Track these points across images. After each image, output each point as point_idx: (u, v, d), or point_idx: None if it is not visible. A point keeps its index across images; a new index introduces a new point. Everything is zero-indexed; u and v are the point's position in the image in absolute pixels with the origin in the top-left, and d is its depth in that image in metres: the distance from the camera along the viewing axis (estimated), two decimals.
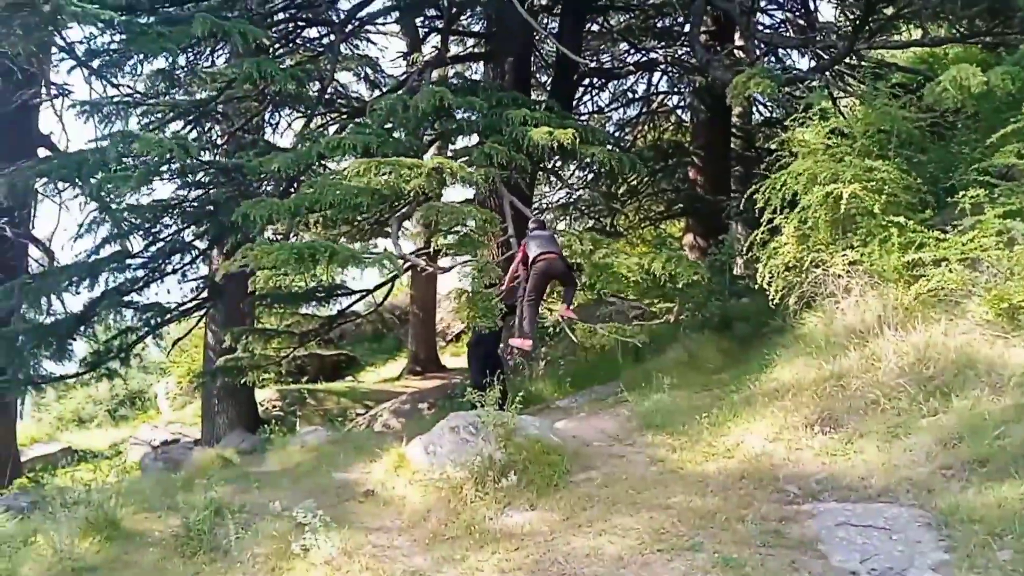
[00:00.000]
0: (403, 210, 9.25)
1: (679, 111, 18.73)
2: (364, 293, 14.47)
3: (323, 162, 10.26)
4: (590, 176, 17.11)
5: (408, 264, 9.07)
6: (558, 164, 14.08)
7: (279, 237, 11.87)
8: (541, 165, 11.03)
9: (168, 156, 9.20)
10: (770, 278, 7.77)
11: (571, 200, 18.45)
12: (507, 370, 10.84)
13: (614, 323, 8.70)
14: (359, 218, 13.90)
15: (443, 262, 10.55)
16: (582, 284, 8.67)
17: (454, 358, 21.85)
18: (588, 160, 9.73)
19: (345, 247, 8.31)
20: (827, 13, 22.78)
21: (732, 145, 16.72)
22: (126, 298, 12.33)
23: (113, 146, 9.39)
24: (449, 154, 9.92)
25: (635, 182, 16.76)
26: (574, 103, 15.45)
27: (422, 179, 8.28)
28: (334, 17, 13.11)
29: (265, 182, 11.27)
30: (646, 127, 18.80)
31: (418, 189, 8.35)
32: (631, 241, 17.90)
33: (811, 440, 6.23)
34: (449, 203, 8.86)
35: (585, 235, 8.92)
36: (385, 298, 15.32)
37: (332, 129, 13.51)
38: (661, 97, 18.43)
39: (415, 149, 9.33)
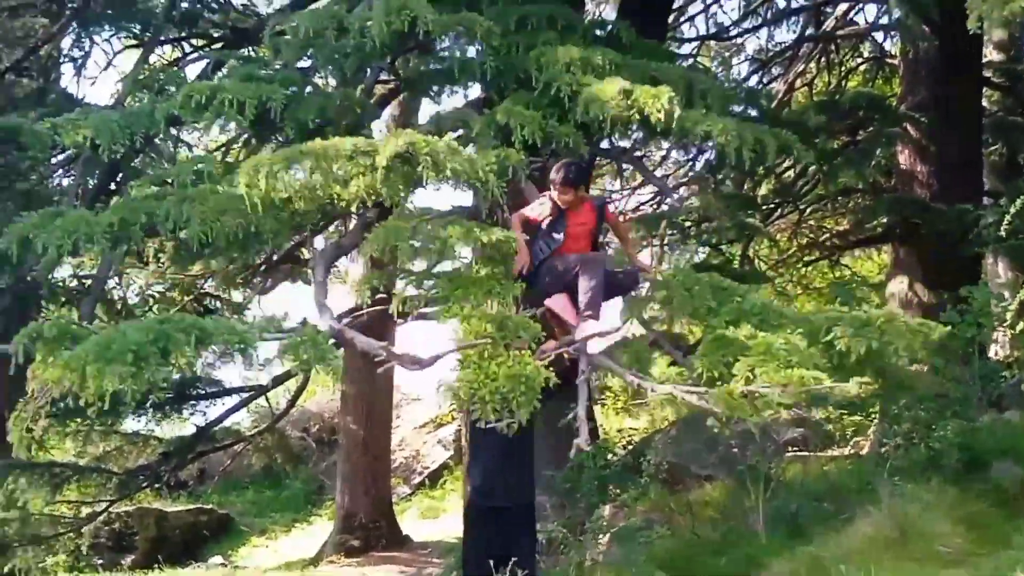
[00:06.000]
0: (337, 239, 5.97)
1: (878, 36, 11.51)
2: (251, 393, 8.66)
3: (175, 130, 6.42)
4: (699, 164, 9.96)
5: (348, 346, 4.94)
6: (639, 146, 8.20)
7: (84, 281, 7.37)
8: (606, 148, 6.46)
9: None
10: None
11: (664, 209, 10.93)
12: (538, 547, 6.08)
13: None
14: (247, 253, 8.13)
15: (419, 349, 5.08)
16: (692, 372, 4.34)
17: (426, 521, 13.10)
18: (695, 141, 5.44)
19: (223, 323, 4.21)
20: None
21: (985, 103, 10.24)
22: None
23: None
24: (424, 125, 5.69)
25: (790, 173, 10.55)
26: (669, 18, 10.04)
27: (375, 177, 4.47)
28: None
29: (60, 168, 6.92)
30: (814, 64, 11.51)
31: (366, 195, 4.55)
32: (781, 289, 10.93)
33: None
34: (427, 216, 4.81)
35: (694, 276, 4.71)
36: (292, 403, 10.00)
37: (194, 69, 8.49)
38: (844, 7, 10.96)
39: (356, 110, 5.44)
